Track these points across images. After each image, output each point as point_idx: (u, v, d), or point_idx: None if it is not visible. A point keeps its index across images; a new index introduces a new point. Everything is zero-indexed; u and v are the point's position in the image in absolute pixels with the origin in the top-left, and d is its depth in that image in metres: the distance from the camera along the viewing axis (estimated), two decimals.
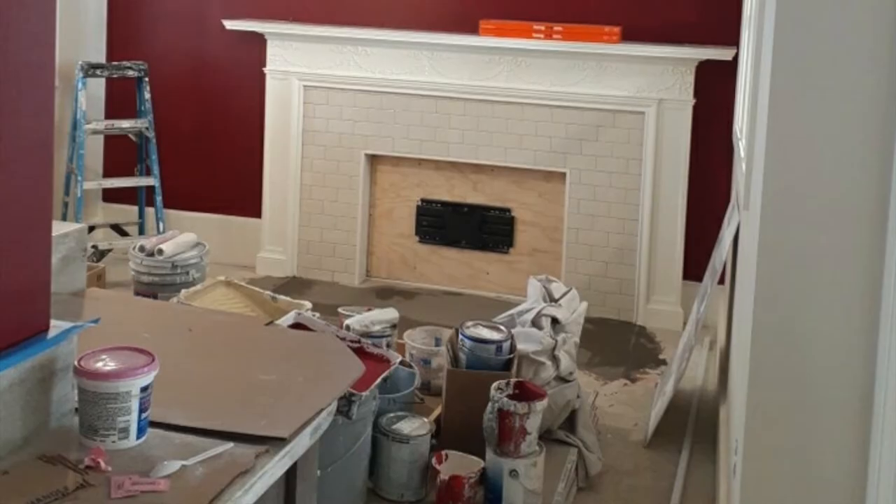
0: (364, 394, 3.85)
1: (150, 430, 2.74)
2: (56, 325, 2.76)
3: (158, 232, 7.77)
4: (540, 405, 4.50)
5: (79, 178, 7.77)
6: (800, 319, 3.21)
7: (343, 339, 3.99)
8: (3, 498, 2.39)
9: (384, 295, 7.86)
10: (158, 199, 8.07)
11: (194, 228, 7.09)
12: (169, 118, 8.44)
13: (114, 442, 2.65)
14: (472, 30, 7.65)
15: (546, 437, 4.94)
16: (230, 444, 2.68)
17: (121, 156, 8.55)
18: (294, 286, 7.92)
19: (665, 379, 6.09)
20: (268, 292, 5.40)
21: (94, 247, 7.67)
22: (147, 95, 8.06)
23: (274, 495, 2.81)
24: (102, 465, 2.54)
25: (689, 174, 7.32)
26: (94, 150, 8.51)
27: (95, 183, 8.18)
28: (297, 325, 4.33)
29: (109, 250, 7.97)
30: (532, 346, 5.10)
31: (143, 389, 2.68)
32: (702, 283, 6.22)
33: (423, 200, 8.06)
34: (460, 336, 4.94)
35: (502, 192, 7.87)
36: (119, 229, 8.32)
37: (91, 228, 7.91)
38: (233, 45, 8.30)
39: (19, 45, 2.49)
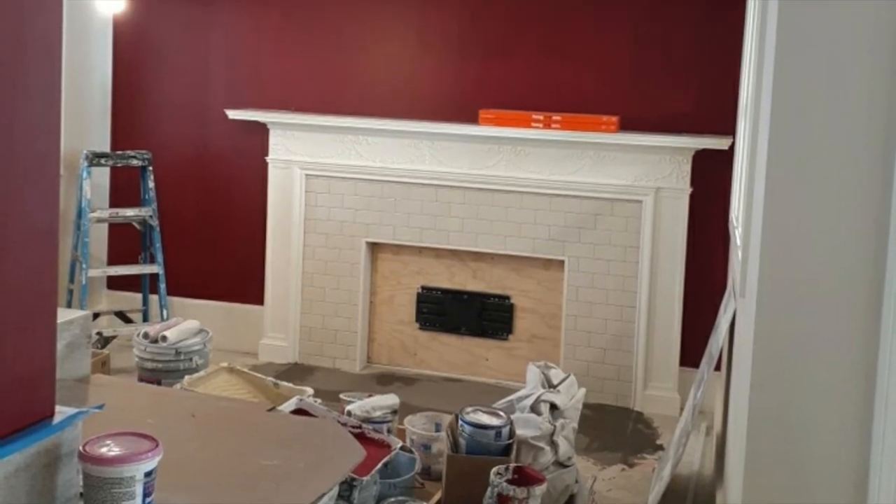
0: (365, 478, 3.87)
1: None
2: (61, 411, 2.80)
3: (162, 319, 7.83)
4: (539, 490, 4.51)
5: (83, 265, 7.82)
6: (795, 406, 3.23)
7: (344, 424, 4.03)
8: None
9: (385, 381, 7.89)
10: (162, 286, 8.13)
11: (198, 315, 7.12)
12: (172, 206, 8.52)
13: None
14: (472, 119, 7.74)
15: None
16: None
17: (125, 243, 8.63)
18: (296, 372, 7.96)
19: (662, 464, 6.10)
20: (270, 378, 5.43)
21: (98, 333, 7.71)
22: (151, 184, 8.13)
23: None
24: None
25: (687, 261, 7.38)
26: (98, 238, 8.59)
27: (100, 270, 8.27)
28: (298, 411, 4.36)
29: (114, 337, 8.03)
30: (531, 432, 5.12)
31: (148, 474, 2.72)
32: (699, 370, 6.23)
33: (423, 288, 8.11)
34: (460, 422, 4.97)
35: (502, 280, 7.92)
36: (123, 316, 8.37)
37: (96, 315, 7.97)
38: (235, 134, 8.40)
39: (25, 134, 2.55)
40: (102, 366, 6.73)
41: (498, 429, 4.94)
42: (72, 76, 8.07)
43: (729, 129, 7.19)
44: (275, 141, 8.18)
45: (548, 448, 5.13)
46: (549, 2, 7.71)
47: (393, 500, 4.63)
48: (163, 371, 5.94)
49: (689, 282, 7.41)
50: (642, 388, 7.48)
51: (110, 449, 2.74)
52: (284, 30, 8.31)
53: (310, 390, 5.16)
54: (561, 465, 5.19)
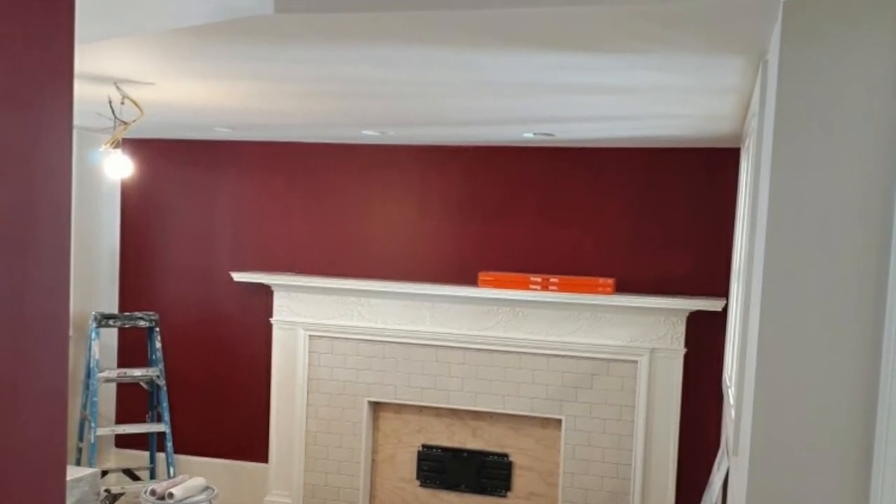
0: None
1: None
2: None
3: (169, 476, 7.92)
4: None
5: (92, 424, 7.93)
6: None
7: None
8: None
9: None
10: (169, 444, 8.23)
11: (203, 473, 7.24)
12: (179, 366, 8.66)
13: None
14: (472, 281, 7.94)
15: None
16: None
17: (132, 403, 8.76)
18: None
19: None
20: None
21: (106, 490, 7.77)
22: (158, 345, 8.29)
23: None
24: None
25: (681, 420, 7.49)
26: (106, 398, 8.72)
27: (108, 429, 8.35)
28: None
29: (122, 494, 8.09)
30: None
31: None
32: None
33: (423, 446, 8.21)
34: None
35: (500, 438, 8.02)
36: (131, 474, 8.45)
37: (104, 473, 8.04)
38: (240, 295, 8.58)
39: (34, 297, 2.67)
40: None
41: None
42: (81, 239, 8.27)
43: (722, 292, 7.36)
44: (279, 303, 8.35)
45: None
46: (547, 167, 7.93)
47: None
48: None
49: (684, 440, 7.51)
50: None
51: None
52: (288, 194, 8.54)
53: None
54: None
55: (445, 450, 8.16)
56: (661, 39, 3.64)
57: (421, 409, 8.18)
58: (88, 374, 8.08)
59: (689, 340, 7.51)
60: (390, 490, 8.32)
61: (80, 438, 8.26)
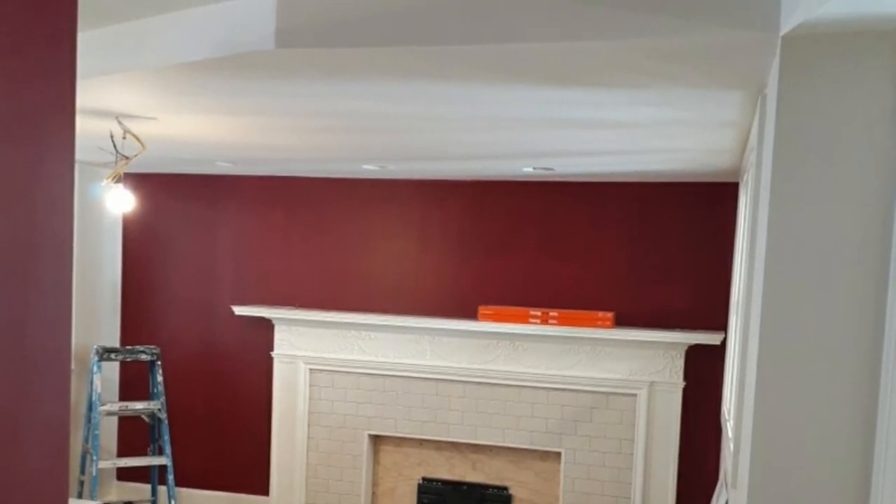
0: None
1: None
2: None
3: None
4: None
5: (94, 457, 7.92)
6: None
7: None
8: None
9: None
10: (170, 477, 8.22)
11: None
12: (180, 400, 8.67)
13: None
14: (472, 314, 7.95)
15: None
16: None
17: (134, 436, 8.76)
18: None
19: None
20: None
21: None
22: (160, 378, 8.28)
23: None
24: None
25: (679, 453, 7.50)
26: (108, 431, 8.72)
27: (110, 462, 8.36)
28: None
29: None
30: None
31: None
32: None
33: (424, 479, 8.21)
34: None
35: (500, 471, 8.02)
36: None
37: None
38: (242, 329, 8.59)
39: (36, 330, 2.68)
40: None
41: None
42: (83, 273, 8.29)
43: (721, 325, 7.37)
44: (280, 336, 8.37)
45: None
46: (547, 202, 7.96)
47: None
48: None
49: (683, 473, 7.51)
50: None
51: None
52: (289, 228, 8.56)
53: None
54: None
55: (445, 483, 8.16)
56: (662, 74, 3.67)
57: (421, 443, 8.19)
58: (90, 408, 8.09)
59: (688, 374, 7.52)
60: None
61: (82, 471, 8.25)
